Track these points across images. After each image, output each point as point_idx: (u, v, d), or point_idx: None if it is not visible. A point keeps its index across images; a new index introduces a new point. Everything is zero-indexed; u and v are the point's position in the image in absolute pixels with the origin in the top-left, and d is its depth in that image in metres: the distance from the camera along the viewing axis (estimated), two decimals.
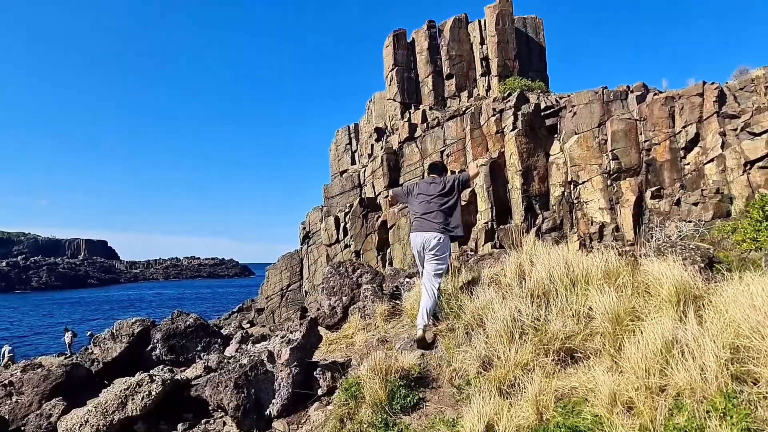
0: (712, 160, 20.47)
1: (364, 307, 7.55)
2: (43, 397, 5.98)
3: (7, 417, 5.83)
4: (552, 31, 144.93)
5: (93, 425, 5.08)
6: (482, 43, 33.63)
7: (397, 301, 7.35)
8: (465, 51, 34.13)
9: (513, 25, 33.07)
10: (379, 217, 31.31)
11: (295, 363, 5.13)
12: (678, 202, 21.09)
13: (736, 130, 19.69)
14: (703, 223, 18.23)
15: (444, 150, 30.09)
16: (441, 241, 5.52)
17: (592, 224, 23.65)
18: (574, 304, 4.57)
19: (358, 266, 9.27)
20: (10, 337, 37.47)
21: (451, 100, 33.88)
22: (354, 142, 42.31)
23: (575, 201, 24.79)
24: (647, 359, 3.47)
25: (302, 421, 4.87)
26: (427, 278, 5.57)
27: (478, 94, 33.04)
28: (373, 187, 33.37)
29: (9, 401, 5.94)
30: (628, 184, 22.89)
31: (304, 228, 37.79)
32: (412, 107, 34.28)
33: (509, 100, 27.65)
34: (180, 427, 5.43)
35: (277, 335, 5.66)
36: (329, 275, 8.98)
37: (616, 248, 5.45)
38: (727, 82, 21.93)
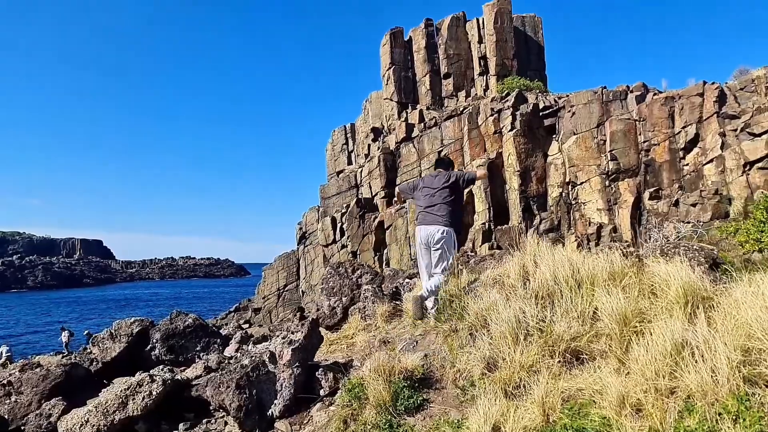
0: (711, 160, 20.51)
1: (364, 307, 7.52)
2: (43, 397, 5.92)
3: (6, 417, 5.78)
4: (551, 30, 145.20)
5: (94, 425, 5.03)
6: (480, 41, 33.57)
7: (397, 302, 7.33)
8: (463, 50, 34.06)
9: (511, 23, 33.03)
10: (376, 217, 31.27)
11: (297, 364, 5.09)
12: (676, 203, 21.12)
13: (736, 130, 19.73)
14: (701, 224, 18.25)
15: (441, 150, 30.03)
16: (445, 234, 5.48)
17: (589, 225, 23.67)
18: (579, 305, 4.54)
19: (358, 267, 9.23)
20: (7, 337, 37.29)
21: (449, 100, 33.82)
22: (350, 142, 42.21)
23: (573, 202, 24.80)
24: (656, 361, 3.44)
25: (305, 422, 4.83)
26: (427, 273, 5.57)
27: (476, 94, 32.99)
28: (370, 187, 33.31)
29: (8, 401, 5.89)
30: (626, 184, 22.91)
31: (301, 228, 37.72)
32: (409, 107, 34.19)
33: (507, 100, 27.62)
34: (181, 426, 5.39)
35: (278, 336, 5.61)
36: (329, 276, 8.94)
37: (621, 249, 5.43)
38: (727, 82, 21.95)
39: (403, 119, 33.19)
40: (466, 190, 6.29)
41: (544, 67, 34.98)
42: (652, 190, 22.31)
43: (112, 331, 7.75)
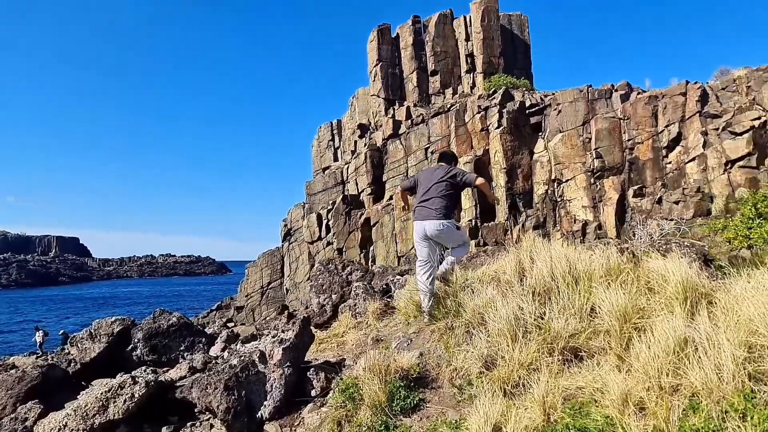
0: (693, 159, 20.82)
1: (355, 305, 7.37)
2: (18, 400, 5.63)
3: None
4: (537, 28, 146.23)
5: (72, 429, 4.79)
6: (467, 39, 33.60)
7: (389, 299, 7.19)
8: (450, 47, 34.06)
9: (498, 21, 33.13)
10: (362, 214, 31.10)
11: (288, 363, 4.92)
12: (660, 201, 21.41)
13: (717, 129, 20.06)
14: (684, 221, 18.51)
15: (428, 147, 29.99)
16: (443, 227, 5.31)
17: (575, 222, 23.87)
18: (577, 301, 4.47)
19: (348, 263, 9.08)
20: None
21: (436, 97, 33.79)
22: (337, 138, 41.93)
23: (559, 199, 24.98)
24: (659, 358, 3.37)
25: (295, 424, 4.67)
26: (425, 270, 5.44)
27: (463, 91, 33.02)
28: (356, 184, 33.11)
29: None
30: (611, 182, 23.14)
31: (286, 225, 37.34)
32: (396, 103, 34.08)
33: (494, 98, 27.69)
34: (165, 430, 5.18)
35: (268, 335, 5.43)
36: (318, 273, 8.77)
37: (616, 245, 5.38)
38: (708, 82, 22.30)
39: (390, 116, 33.06)
40: (462, 192, 6.10)
41: (531, 65, 35.22)
42: (636, 187, 22.58)
43: (92, 330, 7.45)
